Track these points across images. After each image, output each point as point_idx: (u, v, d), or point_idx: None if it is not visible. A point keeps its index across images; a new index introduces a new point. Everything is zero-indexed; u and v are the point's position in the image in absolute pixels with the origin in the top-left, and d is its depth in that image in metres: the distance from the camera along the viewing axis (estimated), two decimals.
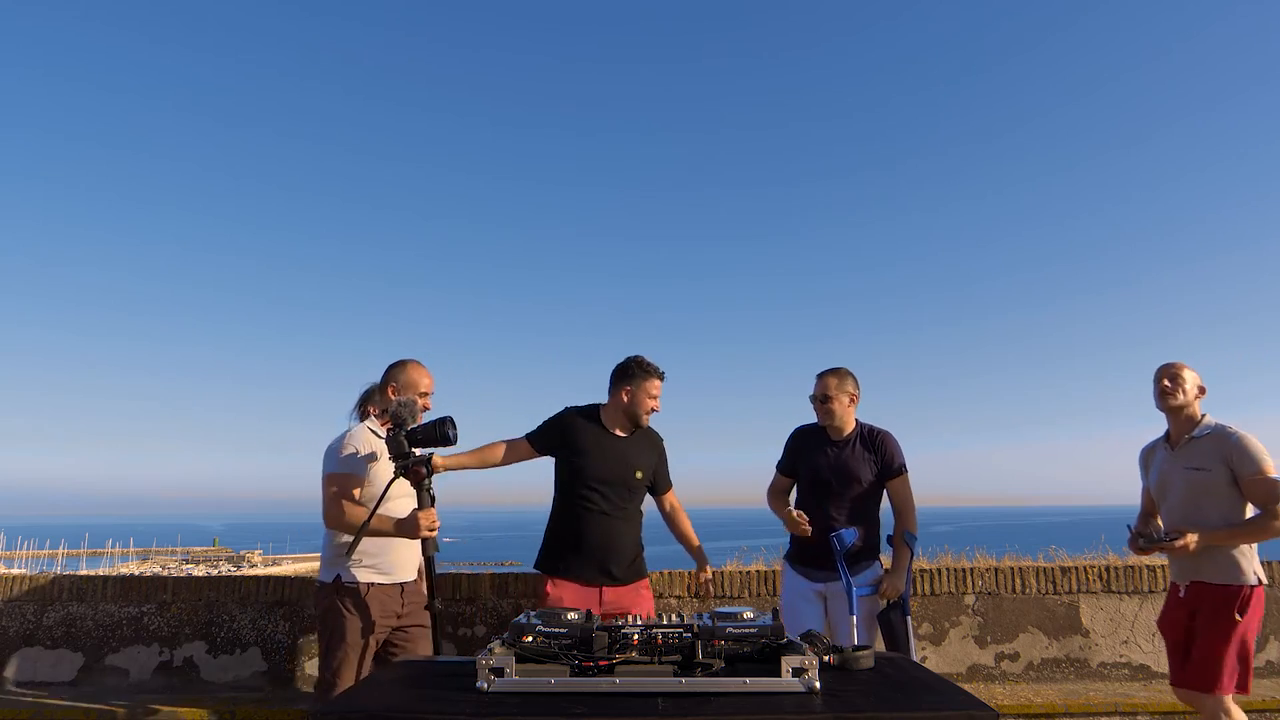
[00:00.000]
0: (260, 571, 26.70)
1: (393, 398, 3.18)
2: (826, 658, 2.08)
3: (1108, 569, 4.81)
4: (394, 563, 3.14)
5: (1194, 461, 3.21)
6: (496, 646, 1.95)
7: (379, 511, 2.97)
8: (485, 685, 1.88)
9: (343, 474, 3.07)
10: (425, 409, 3.23)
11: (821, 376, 3.65)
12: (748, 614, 2.02)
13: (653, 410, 3.52)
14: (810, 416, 3.75)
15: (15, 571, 6.04)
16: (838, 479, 3.56)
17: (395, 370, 3.28)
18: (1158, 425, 3.46)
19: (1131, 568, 4.82)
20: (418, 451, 2.99)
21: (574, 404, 3.59)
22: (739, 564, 5.22)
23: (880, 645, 3.46)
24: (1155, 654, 4.71)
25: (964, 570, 4.87)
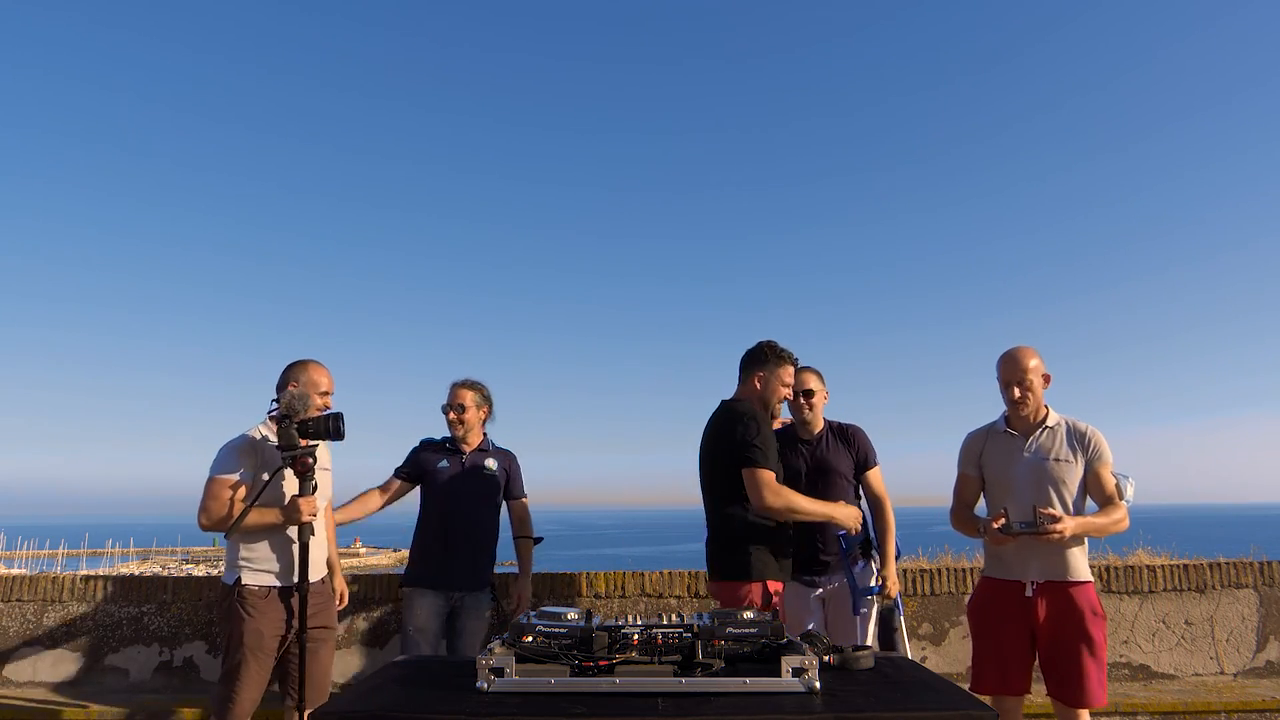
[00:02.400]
0: None
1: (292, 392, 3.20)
2: (826, 658, 2.08)
3: (1108, 569, 4.80)
4: (293, 566, 3.07)
5: (1053, 453, 3.07)
6: (496, 646, 1.95)
7: (263, 502, 3.01)
8: (485, 685, 1.88)
9: (222, 475, 3.07)
10: (326, 407, 3.20)
11: (801, 371, 3.46)
12: (748, 614, 2.02)
13: (785, 399, 3.31)
14: None
15: (15, 571, 6.04)
16: (820, 477, 3.48)
17: (296, 369, 3.23)
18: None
19: (1132, 568, 4.81)
20: (306, 444, 3.01)
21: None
22: None
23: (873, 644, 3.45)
24: (1155, 654, 4.71)
25: (964, 570, 4.87)
